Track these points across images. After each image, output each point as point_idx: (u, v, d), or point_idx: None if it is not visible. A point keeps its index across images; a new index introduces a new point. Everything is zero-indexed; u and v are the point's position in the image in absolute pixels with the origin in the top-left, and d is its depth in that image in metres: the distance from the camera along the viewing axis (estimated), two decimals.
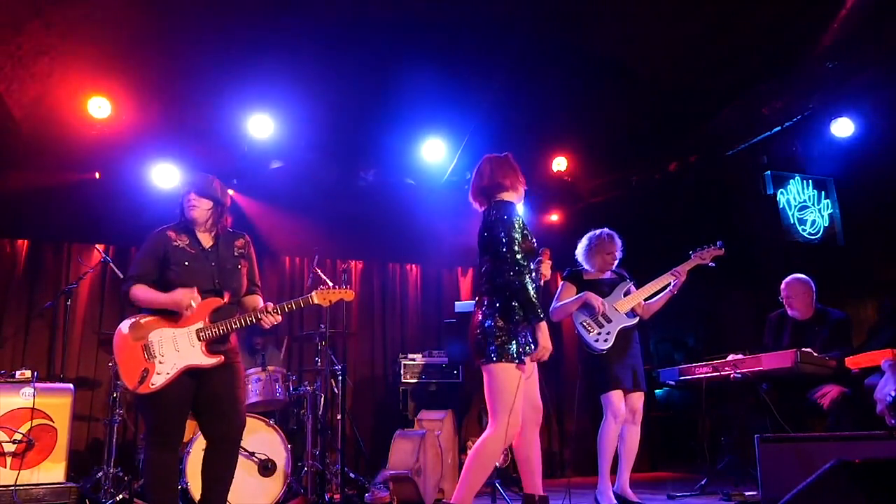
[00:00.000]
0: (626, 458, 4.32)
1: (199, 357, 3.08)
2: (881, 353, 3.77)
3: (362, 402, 6.65)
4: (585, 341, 4.29)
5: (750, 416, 4.86)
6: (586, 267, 4.52)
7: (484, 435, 3.07)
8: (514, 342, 3.05)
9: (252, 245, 3.40)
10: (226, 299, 3.18)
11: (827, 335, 4.67)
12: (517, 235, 3.07)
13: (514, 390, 3.02)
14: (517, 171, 3.32)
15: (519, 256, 3.03)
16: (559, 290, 4.49)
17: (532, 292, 3.02)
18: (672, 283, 4.39)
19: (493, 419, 3.05)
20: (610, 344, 4.21)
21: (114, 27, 4.89)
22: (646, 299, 4.47)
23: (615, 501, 4.20)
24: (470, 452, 3.06)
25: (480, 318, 3.14)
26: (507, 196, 3.25)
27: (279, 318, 3.16)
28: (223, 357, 3.12)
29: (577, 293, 4.37)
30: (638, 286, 4.48)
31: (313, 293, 3.26)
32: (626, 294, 4.40)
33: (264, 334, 5.72)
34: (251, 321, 3.14)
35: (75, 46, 4.93)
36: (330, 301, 3.28)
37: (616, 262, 4.51)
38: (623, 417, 4.23)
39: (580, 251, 4.53)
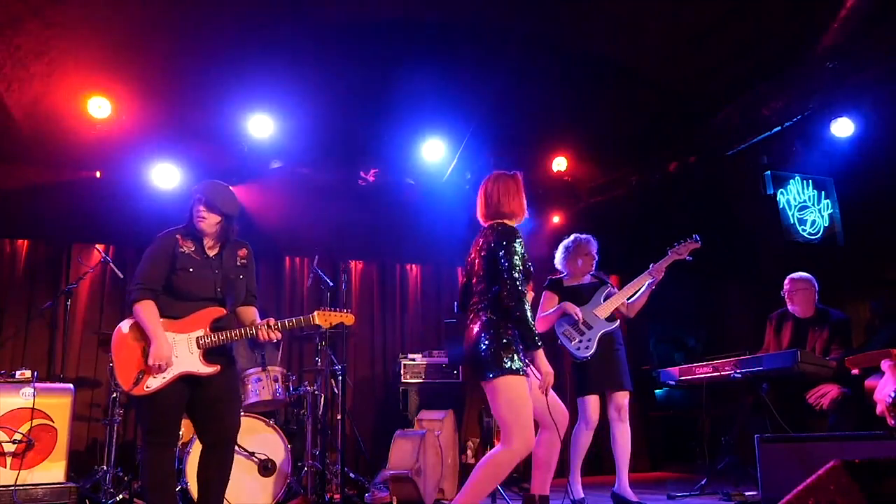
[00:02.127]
0: (620, 458, 4.40)
1: (196, 365, 3.10)
2: (881, 354, 3.76)
3: (362, 402, 6.65)
4: (569, 350, 4.41)
5: (750, 416, 4.85)
6: (565, 273, 4.64)
7: (497, 448, 2.99)
8: (515, 354, 3.00)
9: (253, 255, 3.41)
10: (225, 311, 3.20)
11: (828, 335, 4.67)
12: (518, 263, 3.04)
13: (523, 403, 2.96)
14: (522, 194, 3.29)
15: (518, 284, 3.01)
16: (542, 300, 4.57)
17: (530, 320, 3.00)
18: (650, 280, 4.48)
19: (507, 434, 2.96)
20: (592, 350, 4.34)
21: (114, 27, 4.88)
22: (627, 299, 4.57)
23: (582, 494, 4.38)
24: (480, 463, 2.98)
25: (477, 333, 3.07)
26: (510, 221, 3.22)
27: (279, 334, 3.17)
28: (219, 367, 3.13)
29: (558, 301, 4.50)
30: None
31: (315, 313, 3.29)
32: (605, 298, 4.50)
33: None
34: (251, 334, 3.16)
35: (75, 46, 4.93)
36: (330, 323, 3.31)
37: (594, 264, 4.63)
38: (594, 425, 4.38)
39: (558, 259, 4.67)
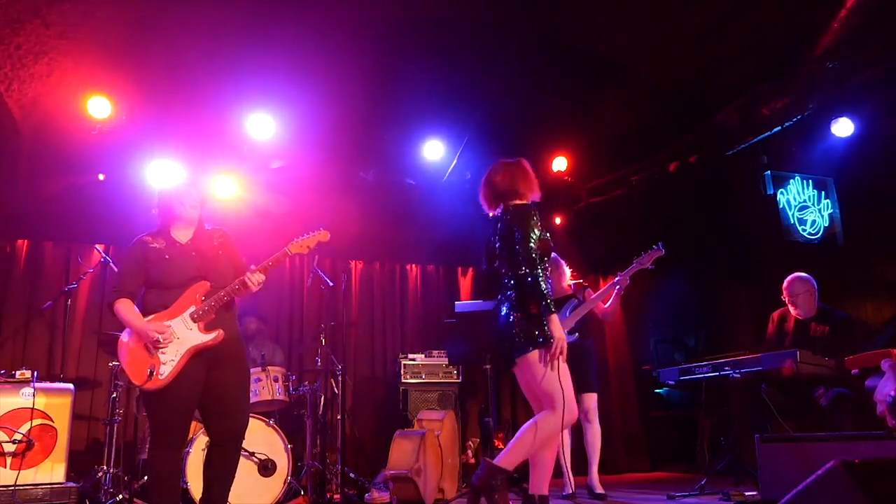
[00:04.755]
0: (591, 455, 4.88)
1: (198, 337, 3.14)
2: (881, 354, 3.76)
3: (362, 402, 6.65)
4: None
5: (750, 416, 4.85)
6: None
7: (542, 413, 3.05)
8: (540, 328, 3.07)
9: (229, 236, 3.48)
10: (210, 284, 3.24)
11: (829, 335, 4.66)
12: (533, 235, 3.14)
13: (557, 371, 3.02)
14: (531, 175, 3.39)
15: (532, 253, 3.10)
16: None
17: (543, 286, 3.08)
18: (618, 287, 4.78)
19: (550, 403, 3.03)
20: None
21: (114, 27, 4.89)
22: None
23: (570, 490, 4.76)
24: (524, 427, 3.05)
25: (504, 315, 3.18)
26: (521, 199, 3.31)
27: (262, 276, 3.23)
28: (222, 331, 3.16)
29: None
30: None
31: (289, 245, 3.34)
32: (571, 311, 4.85)
33: (257, 317, 5.70)
34: (237, 288, 3.20)
35: (75, 46, 4.93)
36: (308, 247, 3.36)
37: (566, 280, 5.02)
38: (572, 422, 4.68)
39: None
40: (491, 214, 3.40)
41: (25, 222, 5.86)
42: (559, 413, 2.98)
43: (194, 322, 3.14)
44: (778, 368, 4.39)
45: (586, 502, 4.77)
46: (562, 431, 3.04)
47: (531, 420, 3.06)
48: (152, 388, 3.05)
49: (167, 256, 3.22)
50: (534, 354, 3.06)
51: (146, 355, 3.09)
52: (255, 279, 3.19)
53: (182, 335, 3.12)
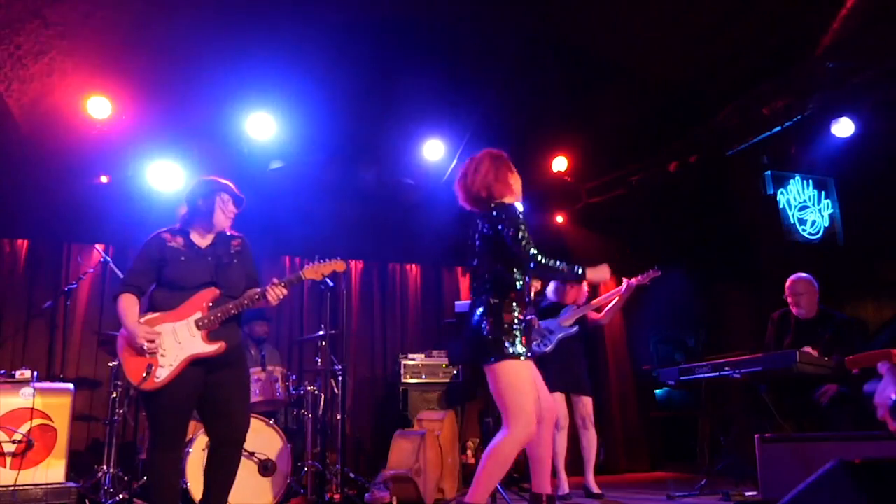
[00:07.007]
0: (585, 458, 4.91)
1: (199, 346, 3.12)
2: (881, 354, 3.75)
3: (362, 402, 6.65)
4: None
5: (750, 416, 4.85)
6: (555, 300, 4.99)
7: (499, 435, 2.96)
8: (516, 338, 2.97)
9: (248, 244, 3.45)
10: (220, 291, 3.22)
11: (830, 337, 4.66)
12: (522, 226, 3.03)
13: (524, 387, 2.93)
14: (513, 170, 3.27)
15: (533, 250, 3.00)
16: None
17: (552, 263, 3.01)
18: (622, 293, 4.83)
19: (506, 419, 2.95)
20: (550, 347, 4.79)
21: (114, 27, 4.88)
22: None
23: (565, 491, 4.82)
24: (485, 454, 2.96)
25: (478, 318, 3.06)
26: (508, 199, 3.20)
27: (286, 290, 3.22)
28: (224, 343, 3.14)
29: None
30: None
31: (303, 269, 3.32)
32: (572, 310, 4.93)
33: (265, 319, 5.69)
34: (257, 299, 3.19)
35: (75, 46, 4.93)
36: (322, 274, 3.35)
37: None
38: (564, 421, 4.75)
39: (551, 290, 5.02)
40: (470, 208, 3.29)
41: (25, 222, 5.86)
42: (516, 433, 2.88)
43: (198, 330, 3.13)
44: (779, 369, 4.38)
45: (584, 501, 4.78)
46: (518, 450, 2.94)
47: (490, 446, 2.95)
48: (147, 389, 3.04)
49: (183, 258, 3.19)
50: (500, 365, 2.95)
51: (144, 355, 3.08)
52: (277, 293, 3.18)
53: (184, 341, 3.10)
